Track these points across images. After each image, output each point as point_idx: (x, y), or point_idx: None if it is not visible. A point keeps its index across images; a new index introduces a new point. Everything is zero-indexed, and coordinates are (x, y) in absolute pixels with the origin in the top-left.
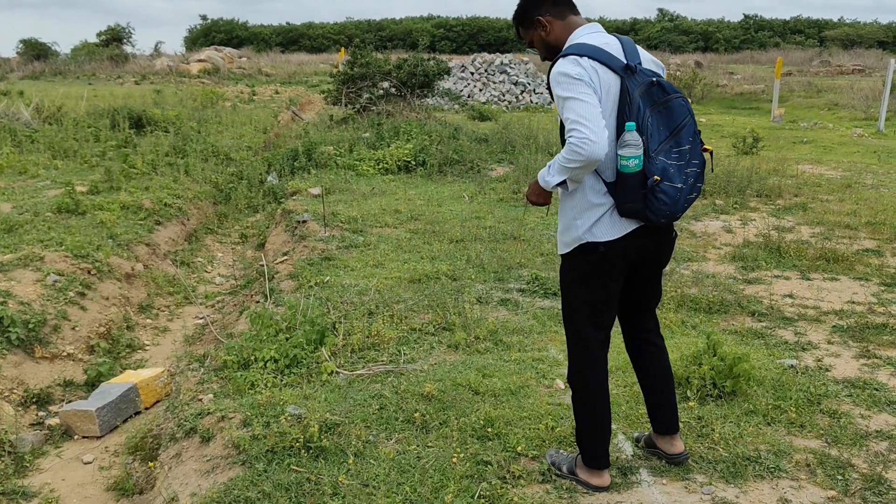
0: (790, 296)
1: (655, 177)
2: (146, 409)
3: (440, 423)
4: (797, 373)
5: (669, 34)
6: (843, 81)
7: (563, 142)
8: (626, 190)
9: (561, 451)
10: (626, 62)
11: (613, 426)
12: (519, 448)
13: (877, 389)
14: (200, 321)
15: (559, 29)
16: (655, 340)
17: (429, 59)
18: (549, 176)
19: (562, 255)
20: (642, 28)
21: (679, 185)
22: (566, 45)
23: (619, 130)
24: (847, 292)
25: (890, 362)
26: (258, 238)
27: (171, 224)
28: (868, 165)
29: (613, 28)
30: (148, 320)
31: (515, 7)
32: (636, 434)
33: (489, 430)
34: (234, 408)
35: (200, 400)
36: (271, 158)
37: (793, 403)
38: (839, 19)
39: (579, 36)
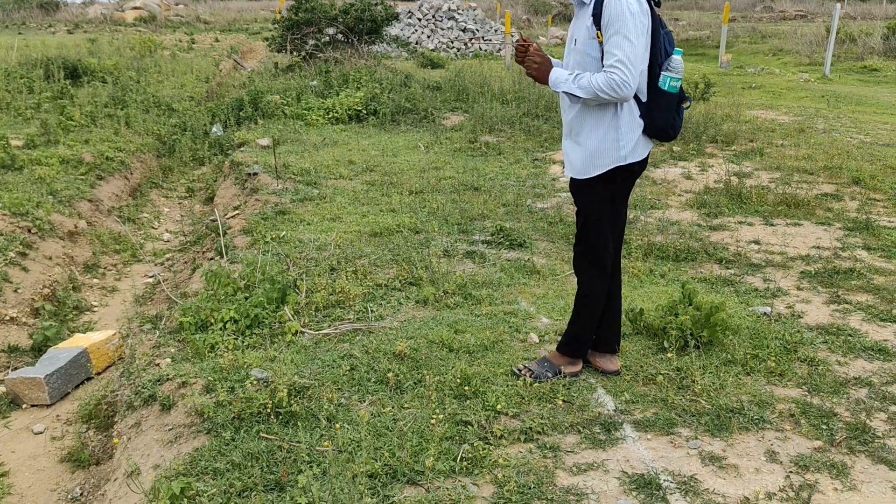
0: (756, 242)
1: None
2: (98, 374)
3: (415, 383)
4: (771, 321)
5: None
6: (787, 27)
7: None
8: (665, 109)
9: (540, 367)
10: None
11: (593, 381)
12: (498, 406)
13: (851, 335)
14: (150, 280)
15: None
16: (616, 262)
17: (376, 4)
18: (567, 86)
19: (587, 179)
20: None
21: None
22: None
23: (653, 56)
24: (811, 237)
25: (861, 307)
26: (206, 192)
27: (113, 178)
28: (819, 110)
29: None
30: (94, 280)
31: None
32: None
33: (466, 388)
34: (194, 372)
35: (158, 365)
36: (215, 108)
37: (770, 352)
38: None
39: None
